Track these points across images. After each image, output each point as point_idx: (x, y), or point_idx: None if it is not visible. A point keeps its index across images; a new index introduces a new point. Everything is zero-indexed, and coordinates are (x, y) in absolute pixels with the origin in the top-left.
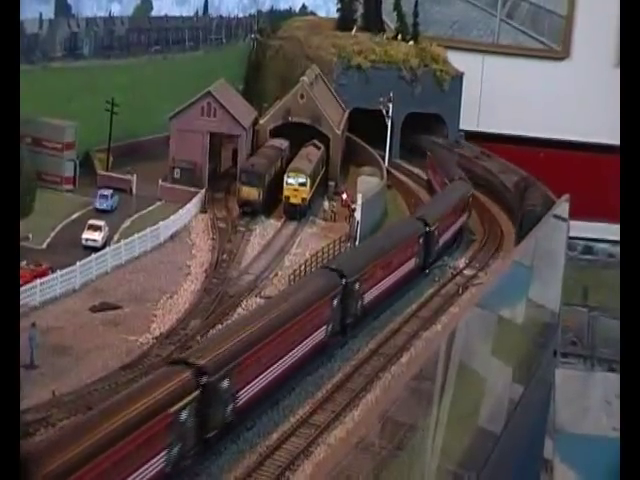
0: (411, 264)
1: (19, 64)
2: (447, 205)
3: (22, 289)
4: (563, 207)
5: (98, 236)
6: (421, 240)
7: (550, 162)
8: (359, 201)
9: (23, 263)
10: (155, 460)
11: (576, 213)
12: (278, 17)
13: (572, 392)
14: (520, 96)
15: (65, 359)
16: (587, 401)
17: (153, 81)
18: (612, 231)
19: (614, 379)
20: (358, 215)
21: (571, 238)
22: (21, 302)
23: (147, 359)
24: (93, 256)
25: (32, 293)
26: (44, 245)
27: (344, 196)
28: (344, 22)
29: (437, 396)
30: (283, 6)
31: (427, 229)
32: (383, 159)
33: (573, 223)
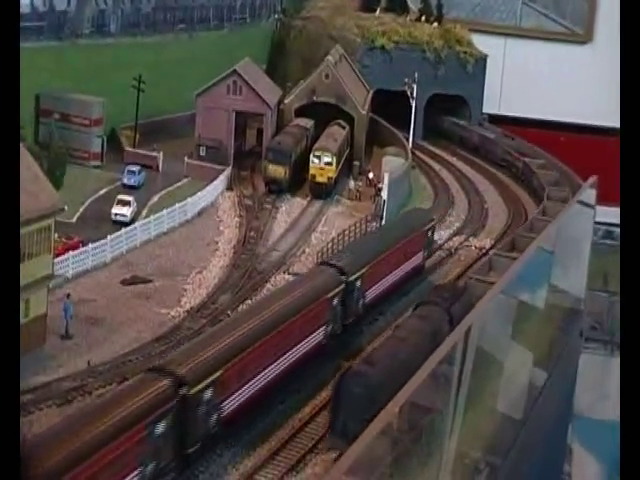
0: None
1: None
2: None
3: (55, 261)
4: (589, 193)
5: (127, 211)
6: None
7: (571, 146)
8: (386, 180)
9: (55, 236)
10: (317, 332)
11: (597, 197)
12: None
13: (591, 377)
14: (542, 79)
15: (99, 330)
16: (606, 386)
17: (178, 59)
18: None
19: None
20: (385, 194)
21: None
22: (55, 273)
23: (179, 332)
24: (123, 230)
25: (65, 265)
26: (74, 219)
27: (370, 175)
28: (368, 3)
29: (458, 381)
30: None
31: None
32: (406, 140)
33: None
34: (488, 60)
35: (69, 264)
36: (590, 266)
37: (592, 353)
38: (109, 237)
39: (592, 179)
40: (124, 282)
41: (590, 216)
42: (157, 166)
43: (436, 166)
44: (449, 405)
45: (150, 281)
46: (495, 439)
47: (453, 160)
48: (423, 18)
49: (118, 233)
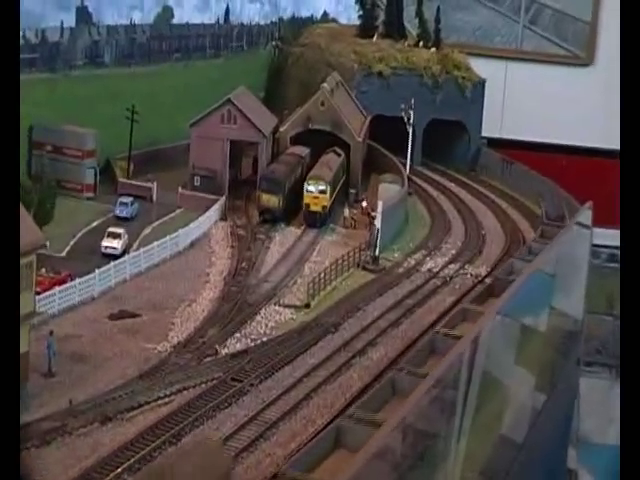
0: None
1: (19, 74)
2: None
3: (41, 297)
4: (586, 214)
5: (117, 244)
6: None
7: (573, 169)
8: (379, 209)
9: (42, 271)
10: None
11: (599, 221)
12: (299, 24)
13: (597, 401)
14: (543, 103)
15: (83, 367)
16: (612, 410)
17: (174, 88)
18: None
19: None
20: (378, 223)
21: (595, 246)
22: (39, 310)
23: (165, 367)
24: (112, 264)
25: (51, 301)
26: (64, 253)
27: (364, 204)
28: (365, 29)
29: (460, 404)
30: (304, 13)
31: None
32: (405, 166)
33: (597, 231)
34: (489, 84)
35: (55, 299)
36: (594, 289)
37: (597, 377)
38: (97, 271)
39: (588, 203)
40: (111, 317)
41: (587, 237)
42: (151, 197)
43: (434, 192)
44: (450, 428)
45: (138, 315)
46: (493, 462)
47: (451, 186)
48: (421, 43)
49: (107, 267)
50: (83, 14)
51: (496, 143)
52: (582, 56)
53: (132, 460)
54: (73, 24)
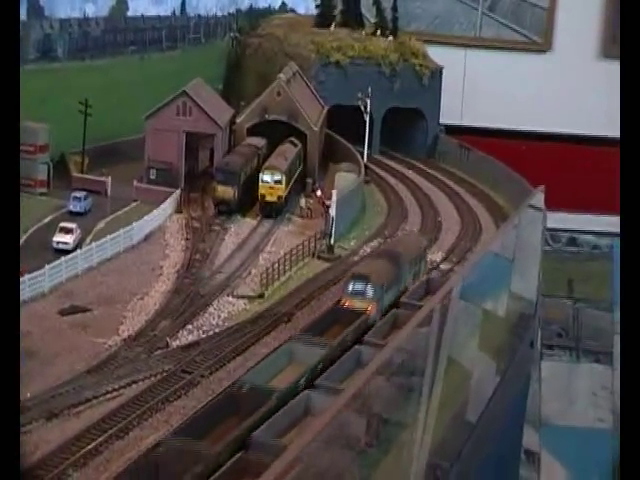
0: None
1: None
2: None
3: None
4: (538, 197)
5: (69, 239)
6: None
7: (532, 154)
8: (334, 197)
9: None
10: None
11: (559, 205)
12: (257, 15)
13: (558, 384)
14: (503, 89)
15: (31, 364)
16: (573, 393)
17: (130, 82)
18: (596, 222)
19: (600, 371)
20: (333, 211)
21: (555, 230)
22: None
23: (114, 361)
24: (63, 259)
25: None
26: None
27: (318, 193)
28: (323, 18)
29: (419, 388)
30: (262, 4)
31: None
32: (362, 155)
33: (557, 215)
34: (449, 72)
35: None
36: (554, 273)
37: (558, 360)
38: (47, 266)
39: (540, 187)
40: (62, 312)
41: (540, 219)
42: (106, 191)
43: (392, 180)
44: (406, 412)
45: (89, 310)
46: (446, 442)
47: (409, 174)
48: (379, 32)
49: (57, 262)
50: (35, 7)
51: (457, 130)
52: (540, 42)
53: (77, 455)
54: (24, 18)
